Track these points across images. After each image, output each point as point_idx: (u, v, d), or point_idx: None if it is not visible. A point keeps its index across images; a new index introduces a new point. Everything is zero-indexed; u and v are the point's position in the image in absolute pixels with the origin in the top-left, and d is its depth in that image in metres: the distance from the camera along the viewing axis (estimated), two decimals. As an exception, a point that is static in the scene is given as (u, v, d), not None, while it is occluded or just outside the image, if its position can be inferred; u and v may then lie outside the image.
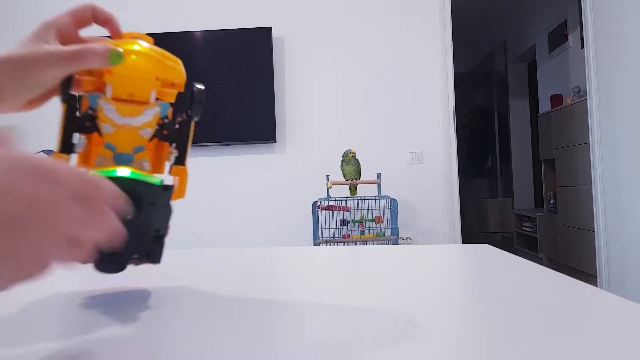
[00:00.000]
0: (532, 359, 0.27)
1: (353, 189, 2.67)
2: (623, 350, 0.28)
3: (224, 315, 0.38)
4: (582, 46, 3.09)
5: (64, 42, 0.40)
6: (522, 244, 4.57)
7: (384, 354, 0.28)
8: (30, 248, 0.23)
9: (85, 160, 0.41)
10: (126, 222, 0.28)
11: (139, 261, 0.40)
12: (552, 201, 3.90)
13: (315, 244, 2.57)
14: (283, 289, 0.47)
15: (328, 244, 2.59)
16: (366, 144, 3.00)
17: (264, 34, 2.95)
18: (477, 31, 5.89)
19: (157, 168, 0.45)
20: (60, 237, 0.24)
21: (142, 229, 0.39)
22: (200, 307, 0.41)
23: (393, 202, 2.60)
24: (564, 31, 4.08)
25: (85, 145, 0.40)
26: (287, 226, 3.02)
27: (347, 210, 2.65)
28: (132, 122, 0.40)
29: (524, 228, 4.48)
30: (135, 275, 0.56)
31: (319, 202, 2.62)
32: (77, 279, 0.53)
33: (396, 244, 2.56)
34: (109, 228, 0.26)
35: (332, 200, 2.64)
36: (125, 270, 0.40)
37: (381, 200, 2.70)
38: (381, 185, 2.74)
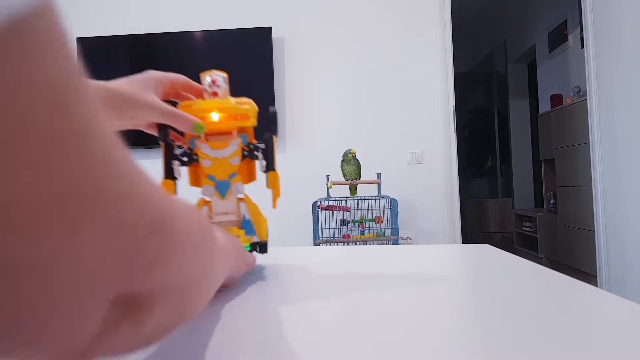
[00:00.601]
0: (532, 359, 0.27)
1: (353, 189, 2.67)
2: (623, 350, 0.28)
3: (224, 315, 0.38)
4: (582, 46, 3.09)
5: (162, 95, 0.53)
6: (522, 244, 4.57)
7: (384, 354, 0.28)
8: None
9: (195, 182, 0.56)
10: None
11: None
12: (552, 201, 3.90)
13: (315, 244, 2.57)
14: (283, 289, 0.47)
15: (328, 244, 2.59)
16: (366, 144, 3.00)
17: (264, 34, 2.95)
18: (477, 31, 5.89)
19: (250, 178, 0.60)
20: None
21: None
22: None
23: (393, 202, 2.60)
24: (564, 31, 4.08)
25: (187, 173, 0.54)
26: (287, 226, 3.02)
27: (347, 210, 2.65)
28: (223, 153, 0.55)
29: (524, 228, 4.48)
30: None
31: (319, 202, 2.62)
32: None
33: (396, 244, 2.56)
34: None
35: (332, 200, 2.64)
36: None
37: (381, 200, 2.70)
38: (381, 185, 2.74)
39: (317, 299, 0.43)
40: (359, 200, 2.72)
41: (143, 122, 0.51)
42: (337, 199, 2.65)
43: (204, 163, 0.54)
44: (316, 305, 0.40)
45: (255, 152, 0.58)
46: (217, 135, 0.54)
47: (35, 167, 0.12)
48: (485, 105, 6.38)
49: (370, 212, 2.75)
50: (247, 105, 0.57)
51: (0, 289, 0.12)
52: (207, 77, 0.56)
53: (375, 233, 2.64)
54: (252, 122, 0.57)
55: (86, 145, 0.13)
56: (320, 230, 2.62)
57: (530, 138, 5.37)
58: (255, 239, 0.52)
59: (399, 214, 2.68)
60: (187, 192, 0.51)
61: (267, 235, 0.57)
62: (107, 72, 3.00)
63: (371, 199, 2.68)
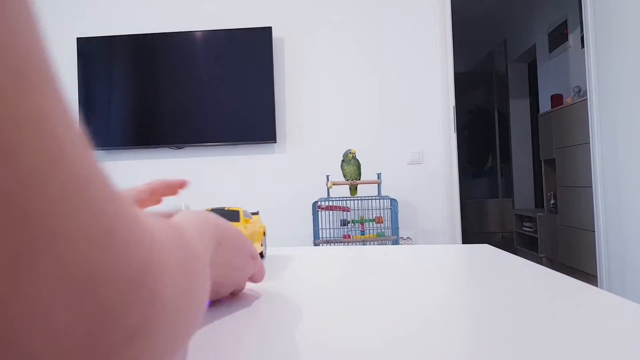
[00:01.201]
0: (532, 359, 0.27)
1: (353, 189, 2.67)
2: (623, 350, 0.28)
3: (223, 315, 0.38)
4: (583, 46, 3.09)
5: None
6: (522, 244, 4.57)
7: (384, 354, 0.28)
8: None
9: None
10: None
11: None
12: (552, 201, 3.90)
13: (316, 244, 2.57)
14: (283, 289, 0.47)
15: (328, 244, 2.59)
16: (366, 144, 3.00)
17: (264, 34, 2.95)
18: (477, 31, 5.88)
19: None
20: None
21: None
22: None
23: (393, 202, 2.60)
24: (564, 31, 4.08)
25: None
26: (287, 226, 3.02)
27: (347, 211, 2.65)
28: None
29: (524, 228, 4.48)
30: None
31: (319, 202, 2.62)
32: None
33: (396, 244, 2.56)
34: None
35: (332, 200, 2.64)
36: None
37: (381, 200, 2.70)
38: (381, 185, 2.73)
39: (316, 299, 0.42)
40: (359, 201, 2.72)
41: None
42: (337, 199, 2.65)
43: None
44: (316, 306, 0.40)
45: None
46: None
47: None
48: (486, 105, 6.37)
49: (370, 212, 2.75)
50: None
51: None
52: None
53: (375, 233, 2.64)
54: None
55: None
56: (320, 231, 2.62)
57: (531, 138, 5.36)
58: None
59: (399, 214, 2.68)
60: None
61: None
62: (107, 72, 3.00)
63: (371, 199, 2.68)
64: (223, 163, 3.06)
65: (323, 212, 2.65)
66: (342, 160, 2.67)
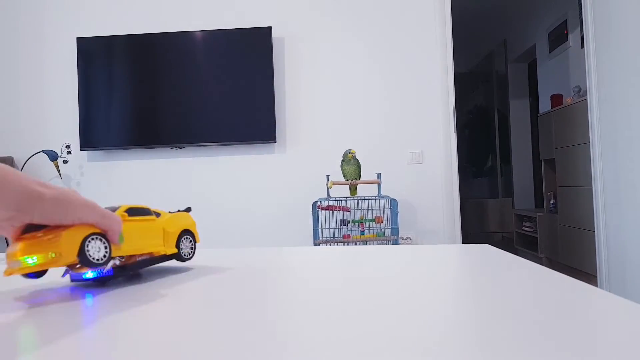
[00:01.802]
0: (532, 359, 0.27)
1: (353, 189, 2.67)
2: (623, 350, 0.28)
3: (223, 315, 0.38)
4: (583, 46, 3.09)
5: None
6: (522, 244, 4.57)
7: (384, 354, 0.28)
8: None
9: None
10: None
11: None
12: (552, 201, 3.90)
13: (315, 244, 2.57)
14: (283, 289, 0.47)
15: (328, 244, 2.59)
16: (366, 144, 3.00)
17: (264, 34, 2.95)
18: (477, 31, 5.89)
19: None
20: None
21: None
22: (199, 308, 0.41)
23: (393, 202, 2.60)
24: (564, 31, 4.08)
25: None
26: (287, 226, 3.02)
27: (347, 210, 2.65)
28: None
29: (524, 228, 4.48)
30: (133, 276, 0.56)
31: (319, 202, 2.62)
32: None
33: (396, 244, 2.56)
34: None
35: (332, 200, 2.64)
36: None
37: (381, 200, 2.70)
38: (381, 185, 2.73)
39: (316, 299, 0.42)
40: (359, 200, 2.72)
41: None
42: (337, 199, 2.65)
43: None
44: (315, 306, 0.40)
45: None
46: None
47: None
48: (486, 105, 6.37)
49: (370, 212, 2.75)
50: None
51: None
52: None
53: (375, 233, 2.64)
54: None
55: None
56: (320, 230, 2.62)
57: (531, 138, 5.37)
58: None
59: (399, 214, 2.68)
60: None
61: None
62: (107, 72, 3.00)
63: (371, 199, 2.68)
64: (223, 163, 3.06)
65: (323, 212, 2.65)
66: (342, 160, 2.67)
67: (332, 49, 3.04)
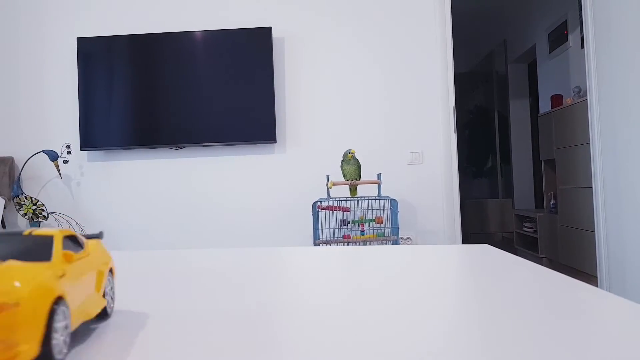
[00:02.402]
0: (532, 358, 0.27)
1: (353, 189, 2.67)
2: (623, 350, 0.28)
3: (224, 315, 0.38)
4: (583, 46, 3.09)
5: None
6: (523, 244, 4.57)
7: (384, 354, 0.28)
8: None
9: None
10: None
11: None
12: (552, 201, 3.90)
13: (316, 244, 2.57)
14: (283, 289, 0.47)
15: (328, 244, 2.59)
16: (366, 144, 3.00)
17: (264, 34, 2.95)
18: (477, 31, 5.88)
19: None
20: None
21: None
22: (199, 308, 0.41)
23: (393, 202, 2.60)
24: (564, 31, 4.08)
25: None
26: (287, 226, 3.02)
27: (347, 211, 2.65)
28: None
29: (524, 228, 4.48)
30: (133, 275, 0.56)
31: (319, 202, 2.62)
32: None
33: (396, 244, 2.56)
34: None
35: (332, 201, 2.64)
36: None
37: (381, 201, 2.70)
38: (381, 185, 2.73)
39: (316, 299, 0.42)
40: (359, 201, 2.72)
41: None
42: (337, 199, 2.65)
43: None
44: (315, 306, 0.40)
45: None
46: None
47: None
48: (486, 106, 6.37)
49: (370, 212, 2.75)
50: None
51: None
52: None
53: (375, 233, 2.64)
54: None
55: None
56: (320, 231, 2.62)
57: (531, 138, 5.36)
58: None
59: (399, 214, 2.68)
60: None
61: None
62: (107, 72, 3.00)
63: (371, 199, 2.68)
64: (223, 163, 3.06)
65: (323, 212, 2.65)
66: (342, 160, 2.67)
67: (332, 49, 3.04)
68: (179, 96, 2.96)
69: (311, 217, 2.78)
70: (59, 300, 0.26)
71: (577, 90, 3.57)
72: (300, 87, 3.05)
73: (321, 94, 3.04)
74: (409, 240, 2.94)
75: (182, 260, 0.68)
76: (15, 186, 2.91)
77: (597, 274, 2.79)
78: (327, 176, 2.67)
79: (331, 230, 2.66)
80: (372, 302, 0.40)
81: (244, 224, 3.04)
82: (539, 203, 5.18)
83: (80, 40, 3.00)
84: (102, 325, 0.36)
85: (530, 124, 5.39)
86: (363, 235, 2.63)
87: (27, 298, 0.24)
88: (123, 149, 3.01)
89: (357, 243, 2.59)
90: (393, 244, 2.55)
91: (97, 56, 2.99)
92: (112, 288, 0.38)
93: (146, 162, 3.07)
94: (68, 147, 3.02)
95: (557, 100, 3.90)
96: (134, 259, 0.71)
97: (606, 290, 2.35)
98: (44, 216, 2.92)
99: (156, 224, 3.04)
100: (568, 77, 4.06)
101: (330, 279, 0.52)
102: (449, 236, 2.94)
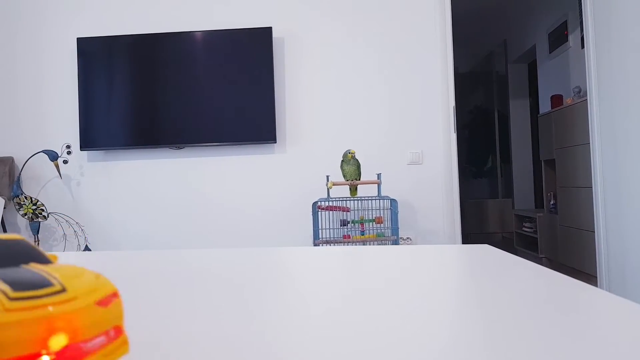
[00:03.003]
0: (532, 359, 0.27)
1: (353, 190, 2.67)
2: (623, 350, 0.28)
3: (223, 316, 0.38)
4: (583, 46, 3.09)
5: None
6: (522, 244, 4.56)
7: (383, 354, 0.28)
8: None
9: None
10: None
11: None
12: (552, 201, 3.90)
13: (315, 244, 2.57)
14: (283, 290, 0.47)
15: (328, 245, 2.59)
16: (366, 144, 3.00)
17: (264, 34, 2.95)
18: (478, 31, 5.88)
19: None
20: None
21: None
22: (199, 308, 0.41)
23: (393, 202, 2.60)
24: (565, 31, 4.08)
25: None
26: (287, 226, 3.01)
27: (347, 211, 2.65)
28: None
29: (524, 228, 4.47)
30: (133, 275, 0.55)
31: (319, 203, 2.62)
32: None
33: (396, 244, 2.56)
34: None
35: (332, 201, 2.64)
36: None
37: (381, 201, 2.70)
38: (381, 185, 2.73)
39: (316, 299, 0.42)
40: (359, 201, 2.72)
41: None
42: (337, 199, 2.65)
43: None
44: (315, 306, 0.40)
45: None
46: None
47: None
48: (486, 106, 6.37)
49: (370, 212, 2.75)
50: None
51: None
52: None
53: (375, 233, 2.64)
54: None
55: None
56: (320, 231, 2.62)
57: (531, 138, 5.36)
58: None
59: (399, 215, 2.68)
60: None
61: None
62: (107, 73, 3.00)
63: (371, 200, 2.68)
64: (223, 163, 3.05)
65: (323, 213, 2.65)
66: (342, 161, 2.67)
67: (332, 49, 3.04)
68: (179, 96, 2.96)
69: (311, 217, 2.78)
70: None
71: (577, 90, 3.57)
72: (300, 87, 3.04)
73: (321, 94, 3.04)
74: (408, 240, 2.94)
75: (181, 260, 0.68)
76: (15, 186, 2.91)
77: (596, 274, 2.79)
78: (327, 176, 2.67)
79: (331, 230, 2.66)
80: (372, 303, 0.40)
81: (244, 224, 3.04)
82: (538, 203, 5.18)
83: (80, 41, 3.00)
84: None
85: (530, 124, 5.39)
86: (363, 235, 2.63)
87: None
88: (123, 149, 3.00)
89: (357, 243, 2.59)
90: (393, 244, 2.55)
91: (97, 56, 2.99)
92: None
93: (146, 162, 3.07)
94: (68, 147, 3.02)
95: (557, 100, 3.90)
96: (134, 259, 0.71)
97: (606, 290, 2.35)
98: (44, 216, 2.92)
99: (156, 223, 3.04)
100: (568, 77, 4.05)
101: (330, 279, 0.51)
102: (448, 236, 2.94)
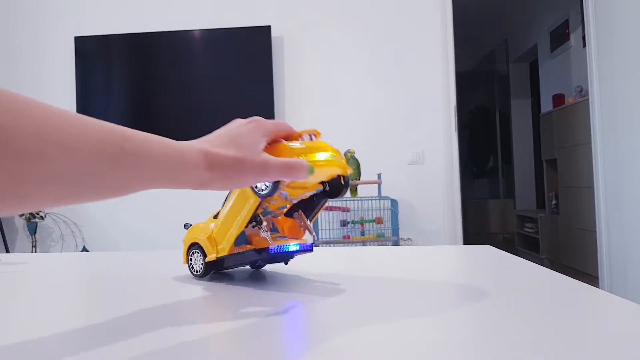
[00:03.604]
0: (534, 358, 0.26)
1: (353, 190, 2.66)
2: (624, 351, 0.28)
3: (223, 316, 0.38)
4: (584, 45, 3.08)
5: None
6: (524, 244, 4.56)
7: (384, 354, 0.28)
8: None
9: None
10: None
11: None
12: (553, 202, 3.89)
13: (315, 245, 2.56)
14: (282, 290, 0.46)
15: (328, 245, 2.58)
16: (366, 144, 2.99)
17: (263, 33, 2.94)
18: (479, 30, 5.89)
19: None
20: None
21: None
22: (198, 308, 0.40)
23: (393, 202, 2.59)
24: (566, 30, 4.07)
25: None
26: (287, 226, 3.01)
27: (347, 211, 2.64)
28: (293, 200, 0.50)
29: (525, 229, 4.47)
30: (133, 276, 0.55)
31: (318, 202, 2.61)
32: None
33: (397, 244, 2.55)
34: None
35: (332, 201, 2.64)
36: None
37: (381, 201, 2.69)
38: (381, 185, 2.72)
39: (316, 300, 0.42)
40: (359, 201, 2.71)
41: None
42: (337, 199, 2.64)
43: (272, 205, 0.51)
44: (315, 307, 0.39)
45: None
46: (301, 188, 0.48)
47: None
48: (487, 105, 6.37)
49: (370, 212, 2.74)
50: (342, 165, 0.51)
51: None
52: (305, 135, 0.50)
53: (375, 234, 2.63)
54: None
55: None
56: (320, 231, 2.61)
57: (532, 138, 5.36)
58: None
59: (399, 215, 2.67)
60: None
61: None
62: (105, 71, 2.99)
63: (371, 200, 2.67)
64: (222, 163, 3.05)
65: (323, 213, 2.64)
66: (342, 160, 2.66)
67: (331, 48, 3.04)
68: (177, 95, 2.95)
69: (311, 217, 2.78)
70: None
71: (578, 89, 3.56)
72: (299, 86, 3.04)
73: (320, 93, 3.04)
74: (409, 240, 2.93)
75: (180, 260, 0.67)
76: (13, 186, 2.91)
77: (598, 275, 2.78)
78: (327, 176, 2.66)
79: (331, 230, 2.65)
80: (372, 303, 0.40)
81: (244, 224, 3.03)
82: (540, 203, 5.18)
83: (78, 39, 2.99)
84: (103, 326, 0.35)
85: (531, 124, 5.39)
86: (363, 235, 2.62)
87: None
88: (122, 148, 3.00)
89: (357, 244, 2.58)
90: (393, 245, 2.54)
91: (95, 55, 2.99)
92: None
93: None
94: (67, 146, 3.02)
95: (558, 99, 3.89)
96: (134, 259, 0.71)
97: (607, 291, 2.34)
98: (41, 216, 2.92)
99: (155, 224, 3.03)
100: (570, 76, 4.05)
101: (329, 279, 0.51)
102: (449, 237, 2.93)
